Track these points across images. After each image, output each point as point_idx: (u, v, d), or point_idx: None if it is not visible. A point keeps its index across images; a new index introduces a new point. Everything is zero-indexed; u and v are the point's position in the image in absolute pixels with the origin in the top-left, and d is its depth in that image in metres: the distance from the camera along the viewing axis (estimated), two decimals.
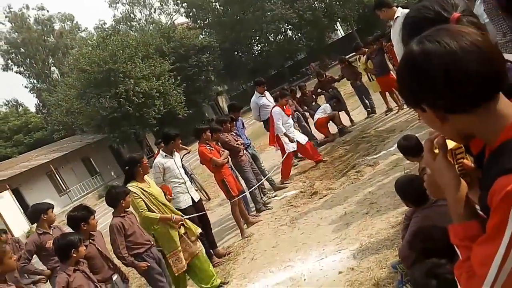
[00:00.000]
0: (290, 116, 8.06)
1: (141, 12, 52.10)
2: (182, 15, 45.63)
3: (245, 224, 6.52)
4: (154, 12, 52.07)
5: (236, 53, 40.35)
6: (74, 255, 3.56)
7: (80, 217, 4.07)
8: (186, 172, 6.94)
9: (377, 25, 30.16)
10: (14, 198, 25.52)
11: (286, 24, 39.16)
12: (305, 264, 4.44)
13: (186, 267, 4.80)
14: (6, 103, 53.43)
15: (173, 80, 31.76)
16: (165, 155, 5.84)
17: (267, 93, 8.97)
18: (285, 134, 7.77)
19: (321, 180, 7.11)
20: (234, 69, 39.67)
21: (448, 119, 0.97)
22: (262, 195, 7.34)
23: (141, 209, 4.67)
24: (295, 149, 7.93)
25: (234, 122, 7.54)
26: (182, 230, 4.88)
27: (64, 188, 29.64)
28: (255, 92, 8.92)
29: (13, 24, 48.43)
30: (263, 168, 7.84)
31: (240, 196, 6.52)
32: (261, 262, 5.09)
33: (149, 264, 4.39)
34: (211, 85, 39.46)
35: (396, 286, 3.15)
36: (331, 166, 7.58)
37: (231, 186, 6.35)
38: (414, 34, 1.03)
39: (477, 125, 0.96)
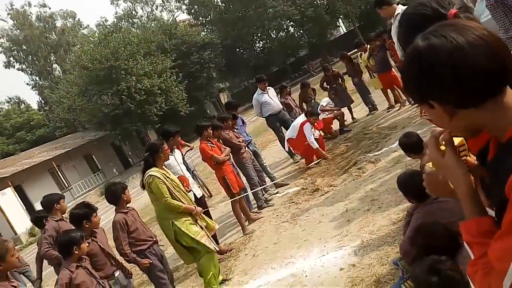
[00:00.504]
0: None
1: (142, 9, 52.21)
2: (183, 12, 45.68)
3: (247, 221, 6.53)
4: (156, 9, 52.19)
5: (238, 50, 40.34)
6: (76, 252, 3.57)
7: (82, 214, 4.08)
8: (188, 169, 6.95)
9: (379, 22, 30.01)
10: (17, 195, 25.61)
11: (288, 21, 39.06)
12: (307, 260, 4.45)
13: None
14: (8, 100, 53.64)
15: (174, 77, 31.78)
16: None
17: (271, 89, 8.96)
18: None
19: (322, 177, 7.11)
20: (236, 66, 39.67)
21: (456, 114, 0.97)
22: (264, 192, 7.35)
23: (166, 196, 4.54)
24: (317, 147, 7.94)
25: (236, 120, 7.55)
26: (203, 223, 4.82)
27: (66, 185, 29.73)
28: (257, 89, 8.93)
29: (15, 21, 48.54)
30: (264, 164, 7.85)
31: (243, 195, 6.52)
32: (262, 259, 5.10)
33: (151, 261, 4.39)
34: (213, 82, 39.49)
35: (397, 282, 3.15)
36: (333, 163, 7.58)
37: (231, 183, 6.36)
38: (411, 31, 1.03)
39: (486, 119, 0.96)
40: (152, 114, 30.22)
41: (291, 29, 41.19)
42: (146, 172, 4.66)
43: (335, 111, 9.62)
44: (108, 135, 32.07)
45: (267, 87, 8.86)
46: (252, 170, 7.08)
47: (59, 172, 29.73)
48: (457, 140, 1.08)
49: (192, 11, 41.87)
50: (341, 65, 13.12)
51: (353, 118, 10.12)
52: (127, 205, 4.56)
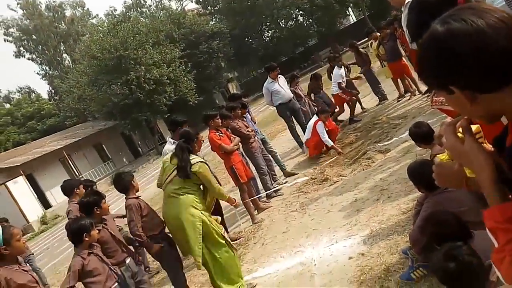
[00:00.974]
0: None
1: None
2: (192, 1, 45.40)
3: (256, 210, 6.56)
4: None
5: (246, 39, 40.11)
6: (87, 238, 3.64)
7: (92, 202, 4.14)
8: None
9: (389, 11, 29.65)
10: (28, 184, 25.94)
11: (297, 10, 38.72)
12: (316, 249, 4.47)
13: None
14: (19, 89, 54.15)
15: (183, 66, 31.75)
16: (174, 142, 5.87)
17: (281, 77, 8.90)
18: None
19: (331, 166, 7.11)
20: (245, 55, 39.47)
21: (476, 100, 0.95)
22: (273, 182, 7.37)
23: (215, 184, 4.55)
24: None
25: (246, 109, 7.55)
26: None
27: (77, 174, 30.01)
28: (268, 77, 8.87)
29: (24, 11, 48.71)
30: (274, 151, 7.85)
31: (253, 197, 6.51)
32: (271, 247, 5.13)
33: (162, 246, 4.36)
34: (222, 72, 39.39)
35: (407, 271, 3.16)
36: (342, 153, 7.56)
37: (239, 173, 6.38)
38: (422, 16, 1.01)
39: (507, 104, 0.94)
40: (161, 104, 30.27)
41: (300, 18, 40.84)
42: (191, 159, 4.42)
43: (351, 94, 9.53)
44: (118, 125, 32.23)
45: (278, 76, 8.81)
46: (261, 159, 7.09)
47: (69, 161, 30.04)
48: (472, 128, 1.07)
49: (201, 0, 41.69)
50: (350, 54, 13.02)
51: (362, 108, 10.06)
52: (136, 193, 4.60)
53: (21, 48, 49.71)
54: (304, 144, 8.41)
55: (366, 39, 11.99)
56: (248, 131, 6.97)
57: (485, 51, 0.88)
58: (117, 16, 44.74)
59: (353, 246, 4.10)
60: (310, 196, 6.20)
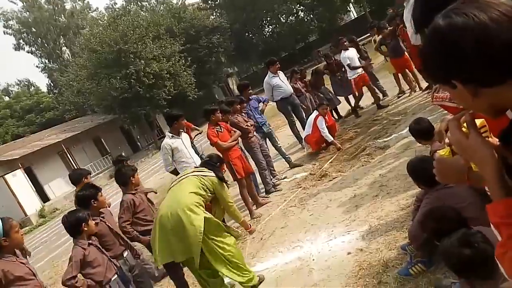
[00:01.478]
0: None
1: None
2: None
3: (254, 205, 6.56)
4: None
5: (247, 34, 40.04)
6: (86, 228, 3.65)
7: (90, 195, 4.16)
8: (196, 153, 6.98)
9: (390, 7, 29.59)
10: (27, 177, 25.91)
11: (298, 5, 38.64)
12: (314, 244, 4.47)
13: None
14: (18, 82, 54.03)
15: (183, 61, 31.67)
16: (172, 136, 5.86)
17: (281, 72, 8.87)
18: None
19: (331, 162, 7.10)
20: (245, 50, 39.40)
21: (479, 94, 0.95)
22: (272, 177, 7.36)
23: (230, 202, 4.30)
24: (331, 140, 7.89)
25: (244, 104, 7.52)
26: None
27: (75, 168, 29.99)
28: (268, 72, 8.83)
29: (24, 3, 48.45)
30: (279, 146, 7.86)
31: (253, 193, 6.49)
32: (270, 242, 5.13)
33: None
34: (222, 67, 39.32)
35: (405, 267, 3.16)
36: (342, 149, 7.55)
37: (237, 169, 6.35)
38: (427, 7, 1.00)
39: (509, 97, 0.94)
40: (161, 98, 30.21)
41: (301, 14, 40.75)
42: (209, 174, 4.25)
43: (363, 66, 9.48)
44: (117, 119, 32.18)
45: (278, 71, 8.77)
46: (260, 154, 7.08)
47: (68, 155, 29.98)
48: (477, 122, 1.06)
49: None
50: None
51: (358, 106, 9.98)
52: (135, 188, 4.62)
53: (21, 41, 49.47)
54: (303, 140, 8.41)
55: (369, 34, 11.92)
56: (247, 125, 6.95)
57: (486, 45, 0.88)
58: (117, 9, 44.57)
59: (352, 241, 4.10)
60: (309, 192, 6.20)
